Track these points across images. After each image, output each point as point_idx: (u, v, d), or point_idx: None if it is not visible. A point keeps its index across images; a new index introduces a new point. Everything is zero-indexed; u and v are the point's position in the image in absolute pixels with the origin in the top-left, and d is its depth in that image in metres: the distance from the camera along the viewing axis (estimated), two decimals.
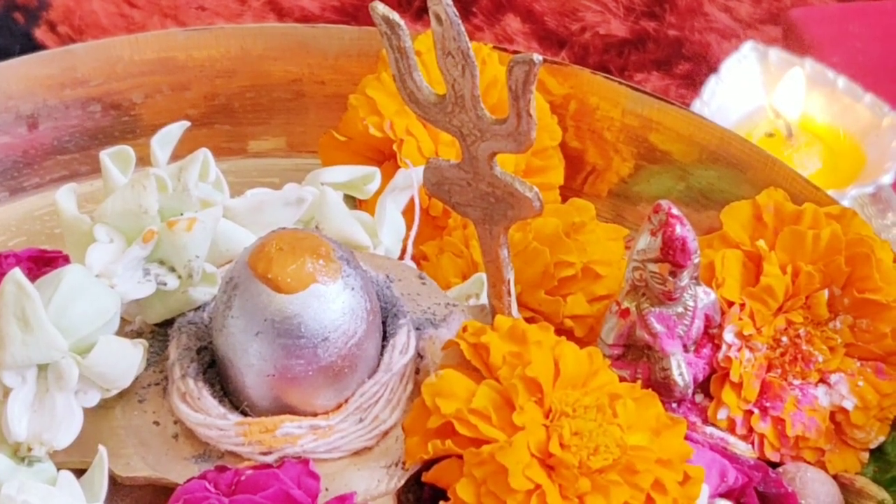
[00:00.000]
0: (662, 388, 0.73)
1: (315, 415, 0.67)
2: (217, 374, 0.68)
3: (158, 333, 0.71)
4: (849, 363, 0.76)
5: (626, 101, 0.87)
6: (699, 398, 0.75)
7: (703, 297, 0.74)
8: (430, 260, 0.81)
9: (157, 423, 0.68)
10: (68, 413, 0.66)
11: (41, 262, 0.75)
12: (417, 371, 0.70)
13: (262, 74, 0.91)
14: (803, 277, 0.75)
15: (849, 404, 0.75)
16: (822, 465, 0.75)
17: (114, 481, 0.66)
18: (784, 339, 0.75)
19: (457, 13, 0.62)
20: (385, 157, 0.83)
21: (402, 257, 0.79)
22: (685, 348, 0.74)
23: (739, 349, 0.75)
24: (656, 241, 0.71)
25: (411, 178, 0.78)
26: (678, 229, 0.71)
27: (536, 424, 0.64)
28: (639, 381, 0.69)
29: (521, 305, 0.74)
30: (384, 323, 0.70)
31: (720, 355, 0.74)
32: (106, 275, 0.67)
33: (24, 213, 0.88)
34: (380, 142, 0.83)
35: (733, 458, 0.72)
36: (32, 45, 1.09)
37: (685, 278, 0.72)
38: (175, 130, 0.75)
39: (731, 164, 0.84)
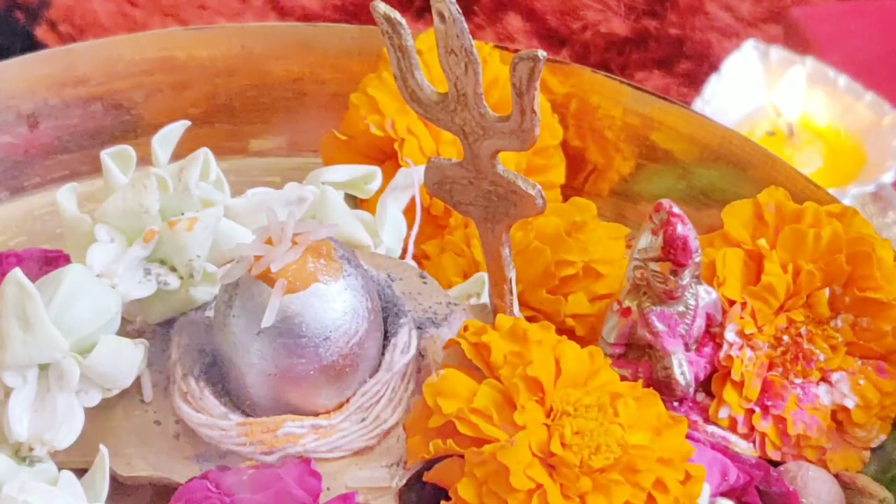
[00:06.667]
0: (664, 387, 0.73)
1: (316, 414, 0.67)
2: (218, 374, 0.68)
3: (159, 333, 0.71)
4: (850, 362, 0.76)
5: (628, 100, 0.87)
6: (700, 397, 0.75)
7: (705, 296, 0.74)
8: (431, 259, 0.80)
9: (158, 422, 0.68)
10: (69, 413, 0.66)
11: (42, 262, 0.75)
12: (419, 370, 0.70)
13: (263, 73, 0.91)
14: (804, 276, 0.75)
15: (850, 403, 0.75)
16: (823, 464, 0.75)
17: (115, 481, 0.66)
18: (785, 337, 0.75)
19: (460, 10, 0.61)
20: (386, 157, 0.83)
21: (403, 256, 0.79)
22: (686, 347, 0.74)
23: (741, 348, 0.74)
24: (657, 240, 0.71)
25: (412, 177, 0.78)
26: (679, 228, 0.71)
27: (538, 424, 0.64)
28: (640, 380, 0.69)
29: (523, 304, 0.74)
30: (385, 322, 0.70)
31: (721, 354, 0.74)
32: (107, 274, 0.67)
33: (24, 213, 0.88)
34: (381, 141, 0.83)
35: (735, 457, 0.72)
36: (33, 44, 1.09)
37: (686, 277, 0.72)
38: (176, 130, 0.75)
39: (732, 162, 0.84)
